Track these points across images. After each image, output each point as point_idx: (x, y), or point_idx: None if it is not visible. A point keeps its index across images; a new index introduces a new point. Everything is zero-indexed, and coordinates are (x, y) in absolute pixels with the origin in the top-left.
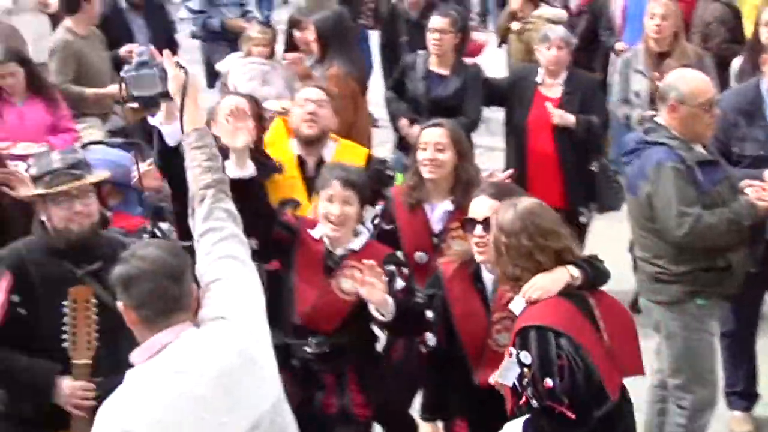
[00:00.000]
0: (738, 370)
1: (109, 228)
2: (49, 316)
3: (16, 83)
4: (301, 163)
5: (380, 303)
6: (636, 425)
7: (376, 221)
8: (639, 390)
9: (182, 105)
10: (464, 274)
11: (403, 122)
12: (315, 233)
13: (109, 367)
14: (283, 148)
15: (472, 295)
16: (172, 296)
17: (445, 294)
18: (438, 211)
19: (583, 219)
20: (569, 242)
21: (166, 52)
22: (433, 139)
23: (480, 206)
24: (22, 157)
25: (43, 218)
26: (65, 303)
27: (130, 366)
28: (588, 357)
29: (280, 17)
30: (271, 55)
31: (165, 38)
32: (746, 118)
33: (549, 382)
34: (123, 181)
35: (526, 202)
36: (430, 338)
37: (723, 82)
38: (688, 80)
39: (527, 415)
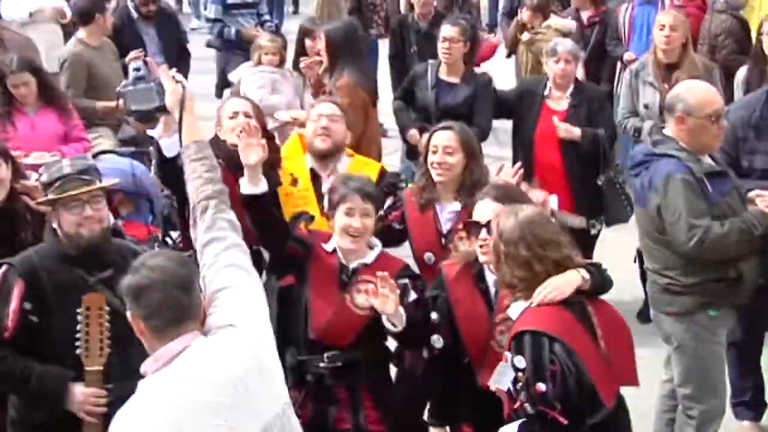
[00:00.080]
0: (745, 380)
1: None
2: (60, 324)
3: (28, 93)
4: (315, 177)
5: (393, 314)
6: None
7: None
8: (649, 400)
9: (181, 118)
10: (467, 275)
11: (412, 132)
12: (328, 246)
13: (121, 374)
14: (298, 163)
15: (475, 296)
16: (182, 306)
17: (448, 295)
18: (447, 211)
19: (592, 230)
20: (569, 251)
21: (163, 66)
22: (442, 142)
23: (484, 209)
24: (35, 167)
25: (54, 225)
26: (78, 310)
27: (141, 373)
28: (582, 363)
29: (290, 27)
30: (281, 64)
31: (176, 48)
32: (755, 132)
33: (542, 386)
34: (134, 190)
35: (527, 210)
36: (436, 340)
37: (729, 93)
38: (695, 92)
39: (522, 420)
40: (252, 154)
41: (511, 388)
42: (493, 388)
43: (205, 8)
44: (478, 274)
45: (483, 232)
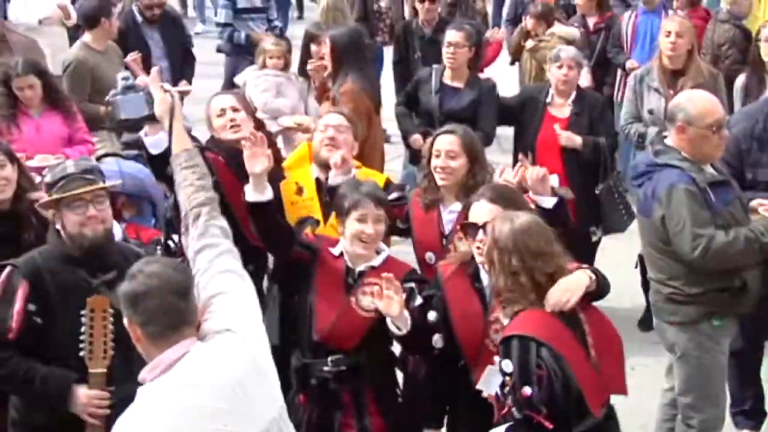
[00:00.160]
0: (745, 389)
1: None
2: (63, 325)
3: (33, 95)
4: (320, 186)
5: (397, 317)
6: None
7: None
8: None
9: (170, 127)
10: (463, 275)
11: (415, 137)
12: (335, 250)
13: (123, 376)
14: (304, 172)
15: (471, 295)
16: (179, 312)
17: (444, 295)
18: (449, 212)
19: (593, 238)
20: (561, 261)
21: (152, 75)
22: (445, 146)
23: (480, 210)
24: (39, 169)
25: (58, 226)
26: (82, 312)
27: (140, 381)
28: (569, 368)
29: (295, 32)
30: (285, 67)
31: (181, 52)
32: (758, 143)
33: (527, 390)
34: (137, 193)
35: (523, 218)
36: (437, 340)
37: (731, 103)
38: (695, 101)
39: (509, 423)
40: (258, 163)
41: (499, 393)
42: (485, 394)
43: (216, 13)
44: (473, 274)
45: (480, 233)
